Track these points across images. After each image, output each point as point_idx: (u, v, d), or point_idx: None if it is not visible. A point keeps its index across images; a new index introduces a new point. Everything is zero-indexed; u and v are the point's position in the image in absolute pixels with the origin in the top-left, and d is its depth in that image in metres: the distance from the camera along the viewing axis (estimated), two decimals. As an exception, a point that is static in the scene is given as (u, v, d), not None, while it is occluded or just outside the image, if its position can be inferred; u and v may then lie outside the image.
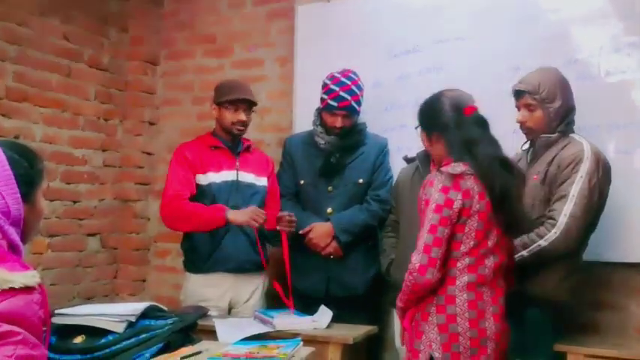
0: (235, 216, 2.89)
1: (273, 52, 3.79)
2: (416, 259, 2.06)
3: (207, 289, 3.02)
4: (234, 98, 3.02)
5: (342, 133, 3.09)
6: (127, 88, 3.99)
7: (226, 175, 3.04)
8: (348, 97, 3.02)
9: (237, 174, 3.06)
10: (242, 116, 3.03)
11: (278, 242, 2.96)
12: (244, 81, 3.25)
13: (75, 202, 3.66)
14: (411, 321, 2.16)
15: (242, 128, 3.06)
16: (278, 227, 2.92)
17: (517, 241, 2.40)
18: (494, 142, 2.18)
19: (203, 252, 3.02)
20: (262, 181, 3.11)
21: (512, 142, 2.85)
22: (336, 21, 3.52)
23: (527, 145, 2.71)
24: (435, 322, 2.08)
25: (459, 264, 2.09)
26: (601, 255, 2.73)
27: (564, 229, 2.42)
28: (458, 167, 2.09)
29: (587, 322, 2.89)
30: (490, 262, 2.11)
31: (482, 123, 2.19)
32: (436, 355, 2.05)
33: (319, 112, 3.14)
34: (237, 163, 3.07)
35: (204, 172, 3.03)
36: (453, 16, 3.24)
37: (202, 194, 3.01)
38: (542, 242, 2.43)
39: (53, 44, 3.52)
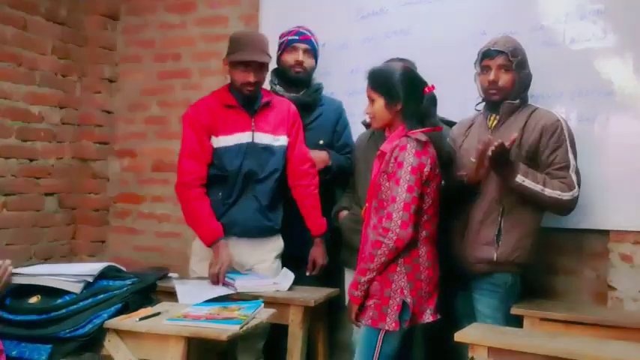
0: (216, 255, 2.77)
1: (237, 10, 3.69)
2: (397, 216, 2.24)
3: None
4: (241, 60, 2.82)
5: (305, 80, 3.07)
6: (86, 43, 3.87)
7: (240, 138, 2.85)
8: (307, 33, 3.08)
9: (253, 135, 2.87)
10: (251, 77, 2.81)
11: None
12: (258, 35, 3.03)
13: (31, 160, 3.56)
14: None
15: (252, 89, 2.83)
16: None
17: (538, 177, 2.47)
18: (439, 119, 2.46)
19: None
20: (280, 140, 2.90)
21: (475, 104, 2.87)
22: (302, -21, 3.44)
23: (481, 106, 2.74)
24: (403, 272, 2.30)
25: (420, 220, 2.33)
26: (557, 221, 2.77)
27: (577, 195, 2.52)
28: (422, 136, 2.32)
29: (543, 286, 2.95)
30: (437, 218, 2.42)
31: (435, 102, 2.43)
32: (408, 300, 2.28)
33: (276, 70, 3.13)
34: (253, 124, 2.87)
35: (216, 136, 2.85)
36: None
37: (214, 158, 2.85)
38: (565, 195, 2.48)
39: (7, -5, 3.37)
